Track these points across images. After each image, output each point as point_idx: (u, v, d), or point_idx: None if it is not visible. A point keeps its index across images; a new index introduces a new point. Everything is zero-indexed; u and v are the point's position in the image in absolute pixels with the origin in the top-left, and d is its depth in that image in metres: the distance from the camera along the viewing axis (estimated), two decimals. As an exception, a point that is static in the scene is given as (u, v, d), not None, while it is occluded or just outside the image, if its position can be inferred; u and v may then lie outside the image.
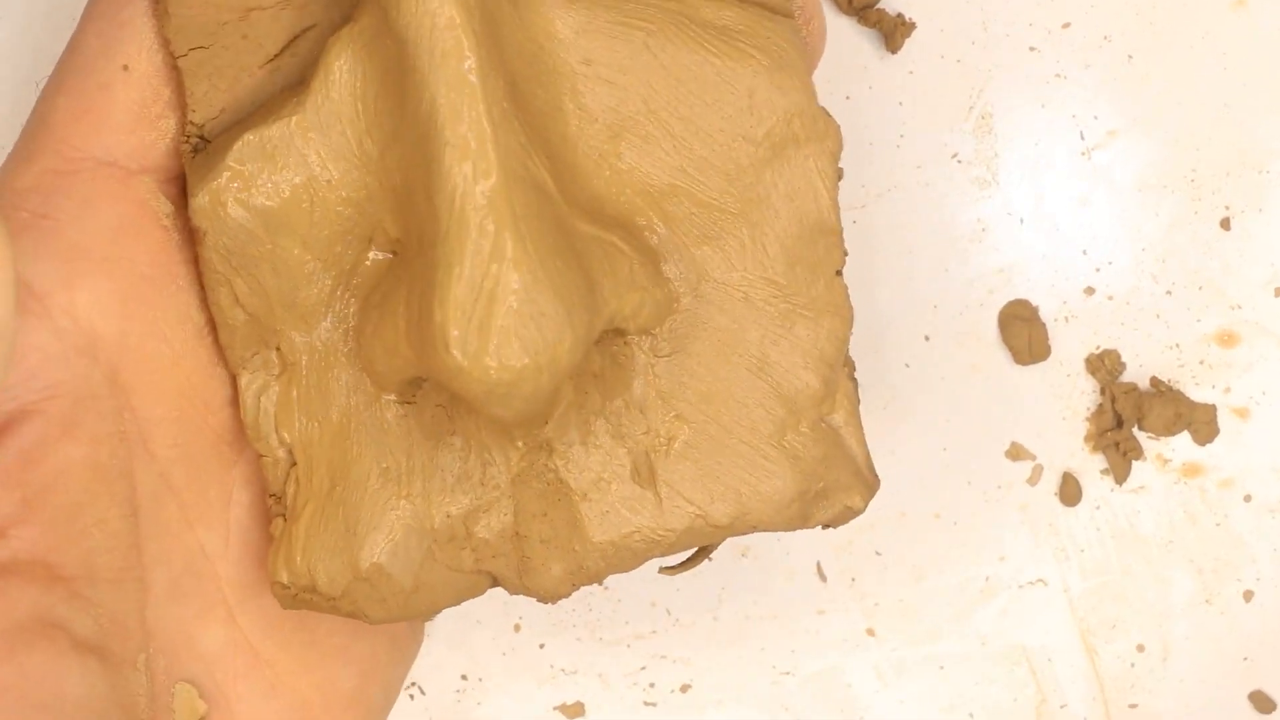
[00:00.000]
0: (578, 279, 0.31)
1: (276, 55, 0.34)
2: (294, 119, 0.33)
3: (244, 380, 0.34)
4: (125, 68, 0.33)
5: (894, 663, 0.45)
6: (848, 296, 0.35)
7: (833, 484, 0.35)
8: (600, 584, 0.35)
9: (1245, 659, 0.45)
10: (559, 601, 0.35)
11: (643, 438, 0.34)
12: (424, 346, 0.31)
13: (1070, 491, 0.44)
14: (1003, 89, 0.44)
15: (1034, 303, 0.44)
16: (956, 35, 0.44)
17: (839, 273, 0.35)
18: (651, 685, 0.45)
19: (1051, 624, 0.45)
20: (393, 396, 0.34)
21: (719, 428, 0.35)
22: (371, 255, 0.34)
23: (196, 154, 0.34)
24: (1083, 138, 0.44)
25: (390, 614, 0.34)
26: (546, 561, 0.34)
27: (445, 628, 0.45)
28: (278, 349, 0.34)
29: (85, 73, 0.33)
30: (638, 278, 0.33)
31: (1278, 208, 0.44)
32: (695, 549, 0.36)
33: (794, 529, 0.35)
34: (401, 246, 0.33)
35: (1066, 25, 0.44)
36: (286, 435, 0.34)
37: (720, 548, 0.45)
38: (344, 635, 0.36)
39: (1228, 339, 0.44)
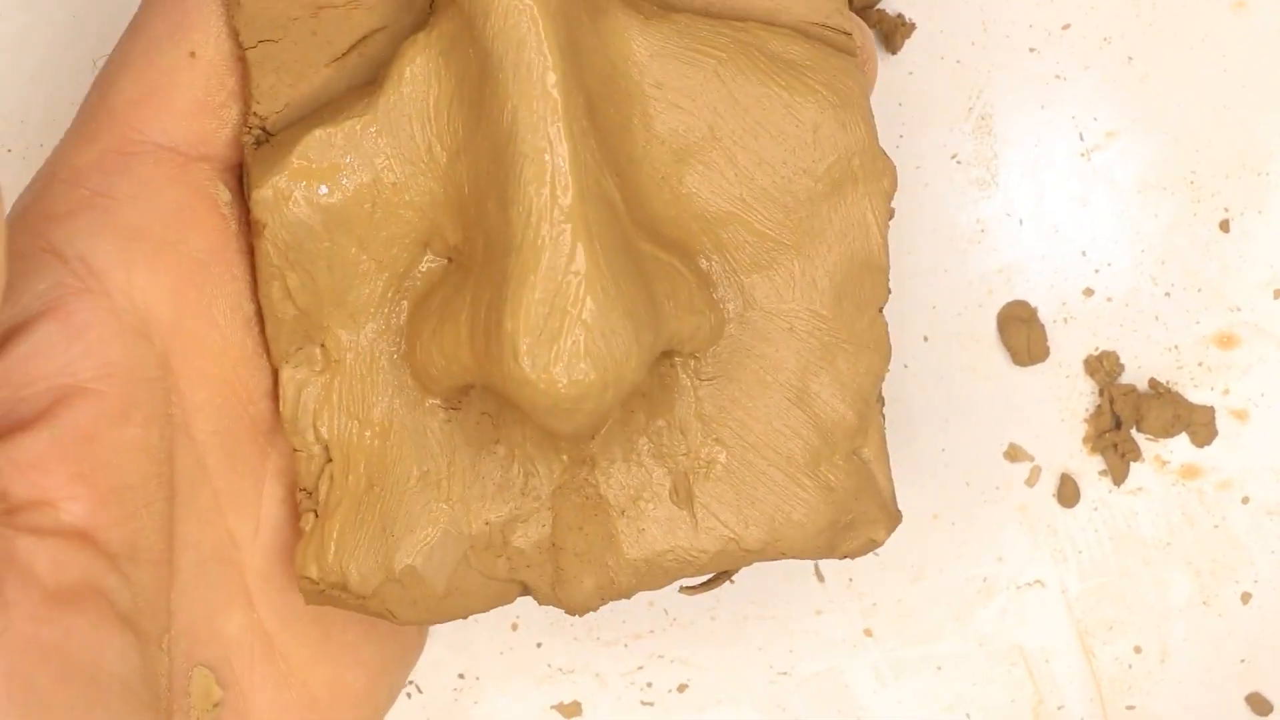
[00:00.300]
0: (645, 298, 0.32)
1: (344, 54, 0.34)
2: (364, 119, 0.33)
3: (286, 374, 0.34)
4: (192, 54, 0.33)
5: (892, 663, 0.45)
6: (888, 334, 0.35)
7: (860, 516, 0.35)
8: (628, 598, 0.35)
9: (1243, 661, 0.45)
10: (584, 614, 0.35)
11: (683, 459, 0.35)
12: (490, 355, 0.31)
13: (1068, 493, 0.44)
14: (1002, 90, 0.44)
15: (1033, 304, 0.44)
16: (956, 36, 0.44)
17: (881, 310, 0.35)
18: (649, 685, 0.45)
19: (1049, 625, 0.45)
20: (438, 401, 0.34)
21: (757, 454, 0.35)
22: (427, 260, 0.34)
23: (259, 146, 0.34)
24: (1082, 139, 0.44)
25: (419, 616, 0.34)
26: (579, 575, 0.34)
27: (443, 626, 0.45)
28: (323, 345, 0.34)
29: (150, 56, 0.33)
30: (696, 302, 0.33)
31: (1277, 209, 0.44)
32: (719, 571, 0.36)
33: (820, 558, 0.36)
34: (460, 254, 0.33)
35: (1066, 26, 0.44)
36: (324, 431, 0.34)
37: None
38: (356, 634, 0.36)
39: (1227, 341, 0.44)
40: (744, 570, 0.45)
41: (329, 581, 0.34)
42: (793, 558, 0.35)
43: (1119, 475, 0.44)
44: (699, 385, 0.35)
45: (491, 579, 0.34)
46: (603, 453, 0.34)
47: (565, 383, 0.31)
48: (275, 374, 0.35)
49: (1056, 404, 0.45)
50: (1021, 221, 0.44)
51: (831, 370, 0.35)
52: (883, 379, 0.35)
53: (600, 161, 0.32)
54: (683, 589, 0.38)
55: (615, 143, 0.33)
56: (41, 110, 0.45)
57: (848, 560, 0.44)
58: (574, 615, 0.35)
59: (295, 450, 0.35)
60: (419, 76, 0.33)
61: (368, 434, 0.34)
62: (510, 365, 0.31)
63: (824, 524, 0.35)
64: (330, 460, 0.34)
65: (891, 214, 0.35)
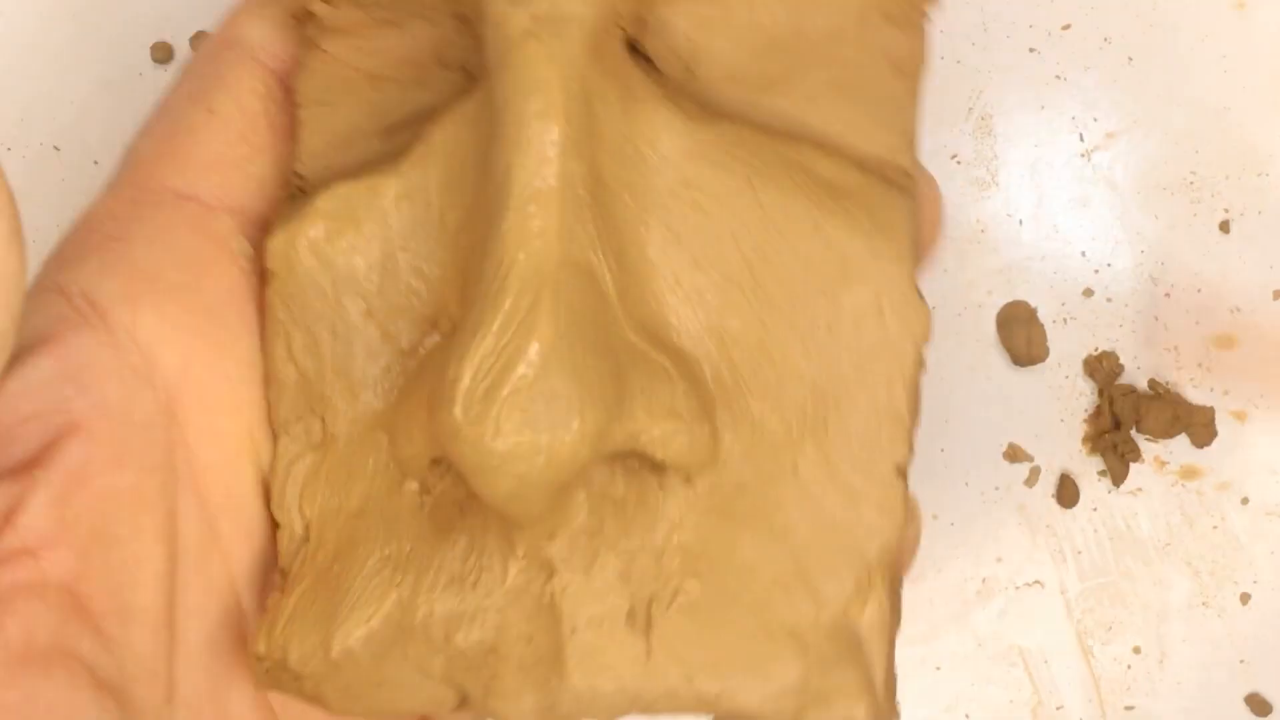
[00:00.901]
0: (603, 374, 0.30)
1: (395, 127, 0.33)
2: (386, 179, 0.32)
3: (282, 445, 0.33)
4: (210, 110, 0.33)
5: (891, 663, 0.45)
6: (905, 501, 0.32)
7: (837, 689, 0.32)
8: None
9: (1242, 661, 0.45)
10: None
11: (650, 584, 0.32)
12: (436, 408, 0.30)
13: (1068, 493, 0.44)
14: (1002, 90, 0.44)
15: (1033, 304, 0.44)
16: (956, 36, 0.44)
17: (902, 474, 0.32)
18: (648, 684, 0.45)
19: (1048, 625, 0.45)
20: (415, 485, 0.33)
21: (731, 597, 0.32)
22: (431, 340, 0.33)
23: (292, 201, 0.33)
24: (1082, 139, 0.44)
25: (350, 706, 0.32)
26: (519, 689, 0.32)
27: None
28: (323, 419, 0.33)
29: (174, 114, 0.33)
30: (678, 404, 0.31)
31: (1277, 210, 0.44)
32: None
33: None
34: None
35: (1066, 27, 0.44)
36: (308, 510, 0.33)
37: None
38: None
39: (1226, 342, 0.44)
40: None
41: (272, 659, 0.32)
42: (749, 716, 0.32)
43: (1118, 476, 0.44)
44: (687, 513, 0.32)
45: (426, 677, 0.32)
46: (563, 559, 0.32)
47: (491, 436, 0.29)
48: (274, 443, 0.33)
49: (1056, 404, 0.45)
50: (1021, 222, 0.44)
51: (834, 528, 0.32)
52: (891, 551, 0.32)
53: (593, 238, 0.30)
54: None
55: (626, 232, 0.31)
56: (42, 108, 0.45)
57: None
58: None
59: (278, 527, 0.33)
60: (445, 143, 0.32)
61: (344, 513, 0.33)
62: (445, 416, 0.29)
63: (790, 684, 0.31)
64: (307, 541, 0.33)
65: (923, 366, 0.32)
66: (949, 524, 0.45)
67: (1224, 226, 0.44)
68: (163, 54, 0.44)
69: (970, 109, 0.44)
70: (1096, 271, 0.44)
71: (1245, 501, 0.44)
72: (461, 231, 0.32)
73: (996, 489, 0.45)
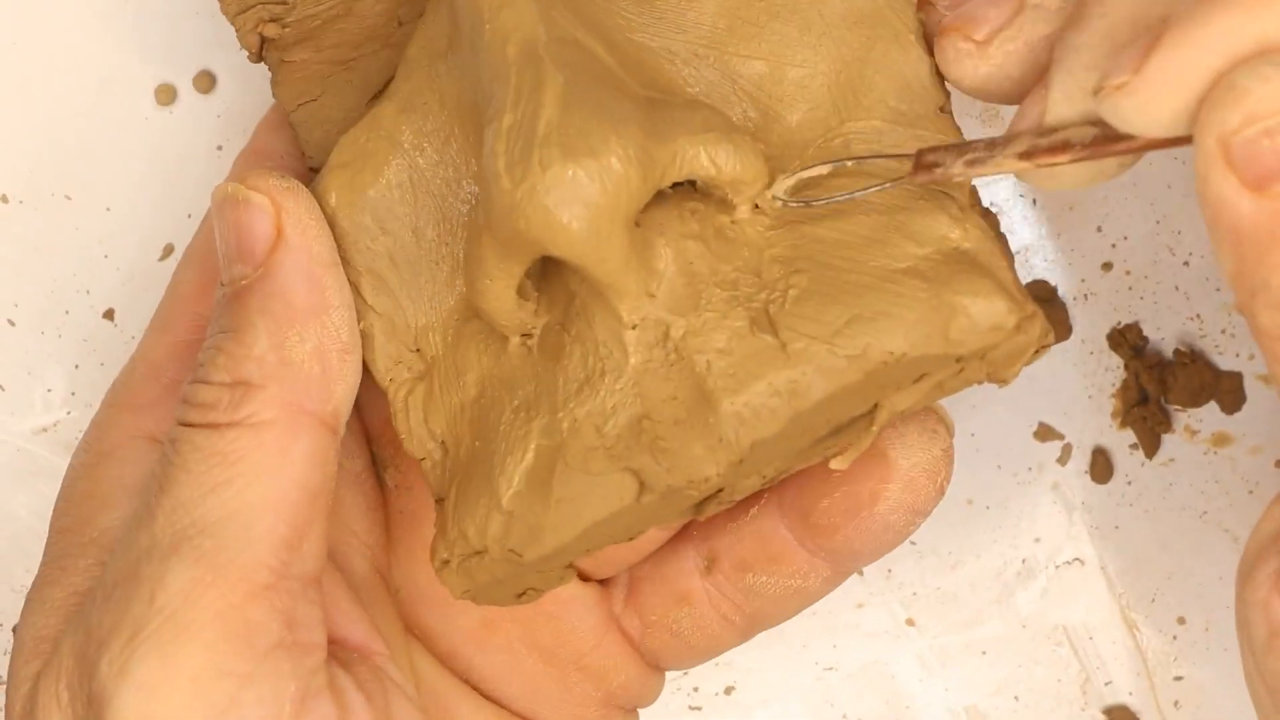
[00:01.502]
0: (626, 105, 0.31)
1: (381, 91, 0.35)
2: (381, 106, 0.34)
3: (393, 389, 0.35)
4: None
5: (936, 651, 0.45)
6: (959, 133, 0.34)
7: (969, 298, 0.32)
8: (747, 453, 0.32)
9: (1287, 624, 0.45)
10: (711, 493, 0.33)
11: (760, 295, 0.33)
12: (485, 196, 0.31)
13: (1101, 469, 0.44)
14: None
15: (1052, 282, 0.44)
16: (957, 21, 0.44)
17: (946, 111, 0.34)
18: (695, 689, 0.45)
19: (1091, 602, 0.45)
20: (516, 339, 0.34)
21: (836, 268, 0.33)
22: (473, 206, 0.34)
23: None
24: (1090, 115, 0.44)
25: (542, 546, 0.33)
26: (685, 443, 0.32)
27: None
28: (418, 350, 0.35)
29: (210, 246, 0.35)
30: (713, 121, 0.32)
31: (1290, 172, 0.44)
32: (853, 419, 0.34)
33: (938, 352, 0.32)
34: None
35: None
36: (436, 427, 0.35)
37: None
38: None
39: (1248, 306, 0.44)
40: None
41: (457, 554, 0.33)
42: (908, 357, 0.32)
43: (1150, 448, 0.44)
44: (767, 233, 0.33)
45: (596, 475, 0.33)
46: (673, 310, 0.33)
47: (544, 189, 0.30)
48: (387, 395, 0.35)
49: (1083, 381, 0.45)
50: (1035, 201, 0.44)
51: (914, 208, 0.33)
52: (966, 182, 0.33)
53: (573, 22, 0.32)
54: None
55: (605, 20, 0.33)
56: (50, 158, 0.45)
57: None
58: (693, 493, 0.33)
59: (421, 460, 0.35)
60: (419, 52, 0.34)
61: (468, 403, 0.34)
62: (495, 191, 0.30)
63: (924, 312, 0.32)
64: (447, 453, 0.35)
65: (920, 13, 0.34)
66: (984, 508, 0.45)
67: (1238, 191, 0.44)
68: (167, 96, 0.44)
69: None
70: (1114, 245, 0.44)
71: (1279, 464, 0.44)
72: (463, 93, 0.33)
73: (1030, 469, 0.45)
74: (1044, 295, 0.44)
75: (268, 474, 0.30)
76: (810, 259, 0.33)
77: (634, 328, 0.33)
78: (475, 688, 0.38)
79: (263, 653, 0.30)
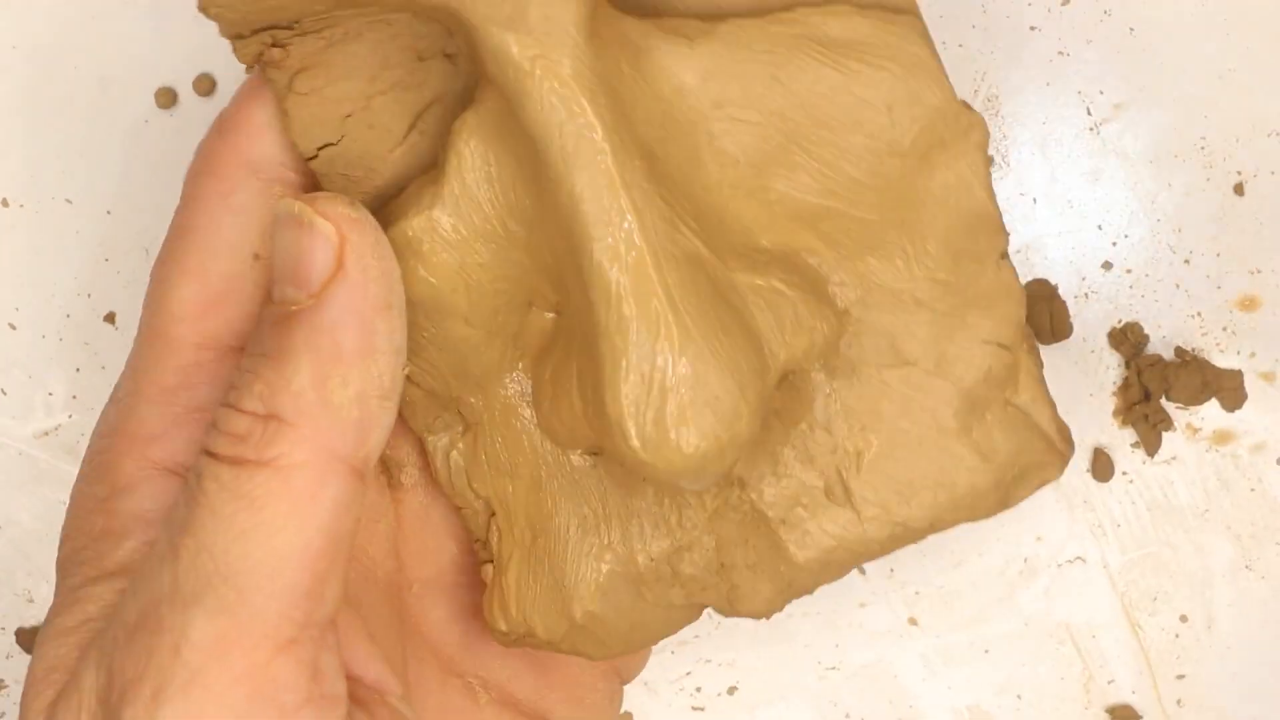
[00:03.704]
0: (745, 347, 0.31)
1: (405, 136, 0.34)
2: (433, 211, 0.32)
3: (430, 442, 0.35)
4: (256, 257, 0.33)
5: (939, 650, 0.45)
6: (1016, 277, 0.35)
7: (1027, 466, 0.35)
8: (810, 593, 0.36)
9: (1290, 622, 0.45)
10: (769, 616, 0.36)
11: (831, 456, 0.35)
12: (604, 436, 0.31)
13: (1102, 467, 0.44)
14: (1006, 70, 0.44)
15: (1053, 281, 0.44)
16: (956, 20, 0.44)
17: (1005, 255, 0.35)
18: (698, 690, 0.45)
19: (1093, 600, 0.45)
20: (579, 451, 0.35)
21: (905, 434, 0.35)
22: (536, 318, 0.34)
23: None
24: (1090, 113, 0.44)
25: (609, 652, 0.35)
26: (755, 585, 0.35)
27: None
28: (460, 412, 0.35)
29: (210, 262, 0.33)
30: (803, 319, 0.33)
31: (1290, 169, 0.44)
32: None
33: (994, 514, 0.35)
34: (563, 308, 0.33)
35: (1066, 2, 0.44)
36: (480, 489, 0.35)
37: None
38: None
39: (1249, 303, 0.44)
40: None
41: (518, 633, 0.35)
42: (965, 522, 0.35)
43: (1152, 446, 0.44)
44: (833, 380, 0.35)
45: (670, 607, 0.35)
46: (750, 471, 0.34)
47: (679, 457, 0.30)
48: (422, 444, 0.35)
49: (1084, 379, 0.44)
50: (1035, 200, 0.44)
51: (965, 329, 0.34)
52: (1021, 323, 0.35)
53: (670, 218, 0.31)
54: None
55: (685, 179, 0.32)
56: (51, 162, 0.45)
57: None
58: (759, 619, 0.35)
59: (460, 508, 0.35)
60: (475, 155, 0.32)
61: (520, 488, 0.35)
62: (623, 448, 0.31)
63: (988, 486, 0.35)
64: (494, 514, 0.35)
65: (991, 161, 0.34)
66: (986, 507, 0.45)
67: (1238, 189, 0.44)
68: (167, 100, 0.44)
69: (975, 91, 0.44)
70: (1114, 244, 0.44)
71: (1281, 462, 0.44)
72: (533, 235, 0.32)
73: (1031, 468, 0.45)
74: (1044, 294, 0.44)
75: (295, 522, 0.29)
76: (874, 415, 0.35)
77: (713, 488, 0.35)
78: (483, 682, 0.38)
79: (291, 711, 0.29)
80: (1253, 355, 0.44)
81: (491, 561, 0.35)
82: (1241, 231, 0.44)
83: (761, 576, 0.35)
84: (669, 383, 0.30)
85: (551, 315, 0.34)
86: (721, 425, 0.30)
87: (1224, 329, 0.44)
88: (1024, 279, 0.44)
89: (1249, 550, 0.45)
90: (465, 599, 0.37)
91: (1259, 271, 0.44)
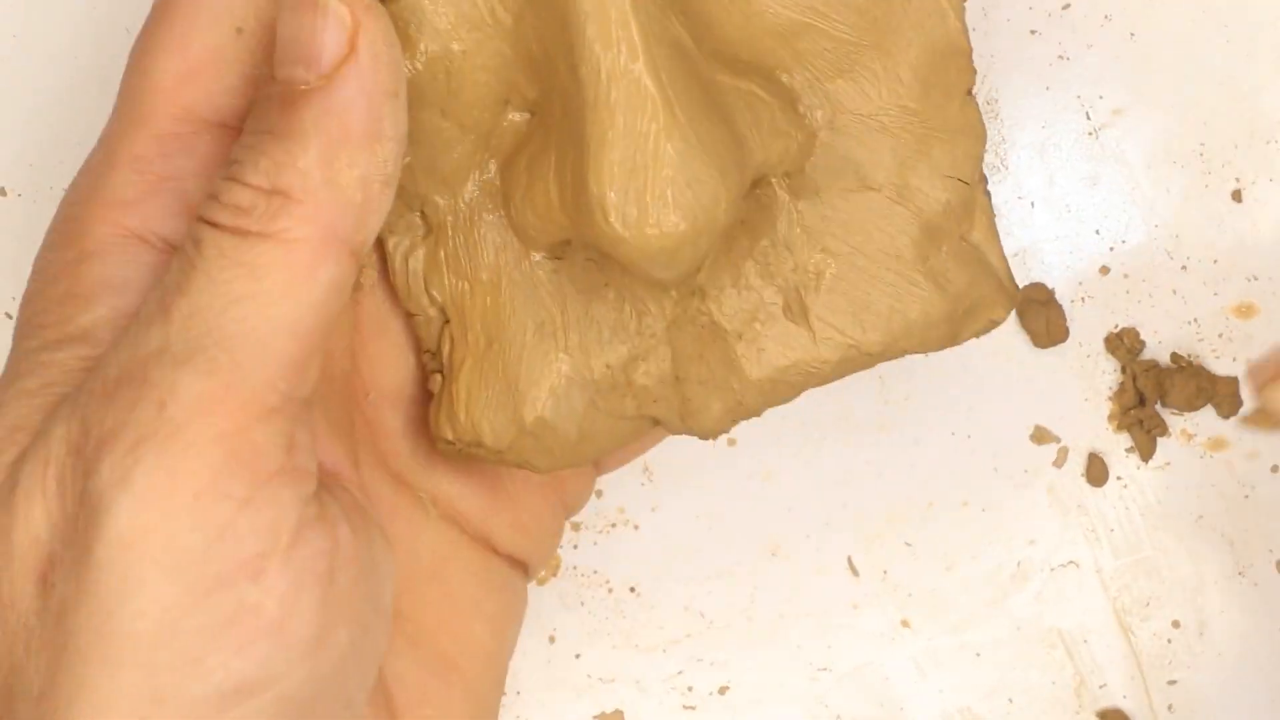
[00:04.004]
0: (727, 137, 0.32)
1: None
2: None
3: (391, 243, 0.35)
4: (239, 30, 0.33)
5: (930, 653, 0.45)
6: (980, 115, 0.35)
7: (977, 301, 0.36)
8: (758, 415, 0.36)
9: (1282, 629, 0.45)
10: (716, 437, 0.36)
11: (791, 275, 0.35)
12: (581, 215, 0.32)
13: (1097, 472, 0.44)
14: (1006, 74, 0.44)
15: (1050, 285, 0.44)
16: (957, 23, 0.44)
17: (970, 92, 0.35)
18: (690, 689, 0.45)
19: (1086, 605, 0.45)
20: (542, 254, 0.35)
21: (865, 258, 0.35)
22: (510, 116, 0.34)
23: None
24: (1089, 117, 0.44)
25: (555, 463, 0.35)
26: (706, 401, 0.35)
27: (480, 643, 0.45)
28: (421, 213, 0.35)
29: (192, 33, 0.33)
30: (779, 124, 0.34)
31: (1288, 176, 0.44)
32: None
33: (943, 348, 0.36)
34: (540, 107, 0.34)
35: (1066, 6, 0.44)
36: (436, 294, 0.35)
37: (749, 548, 0.45)
38: (477, 589, 0.37)
39: (1246, 310, 0.44)
40: (777, 569, 0.45)
41: (465, 440, 0.35)
42: (914, 353, 0.36)
43: (1146, 451, 0.44)
44: (798, 200, 0.35)
45: (621, 418, 0.35)
46: (711, 282, 0.35)
47: (658, 235, 0.31)
48: (382, 246, 0.35)
49: (1080, 384, 0.44)
50: (1033, 204, 0.44)
51: (928, 161, 0.35)
52: (981, 160, 0.36)
53: (663, 4, 0.32)
54: None
55: None
56: (45, 151, 0.45)
57: (880, 553, 0.44)
58: (706, 439, 0.36)
59: (412, 315, 0.36)
60: None
61: (479, 292, 0.35)
62: (602, 226, 0.31)
63: (941, 316, 0.35)
64: (448, 321, 0.35)
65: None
66: (980, 510, 0.45)
67: (1236, 195, 0.44)
68: (166, 90, 0.44)
69: (975, 94, 0.44)
70: (1111, 249, 0.44)
71: (1275, 469, 0.44)
72: (520, 22, 0.33)
73: (1025, 472, 0.45)
74: (1041, 298, 0.44)
75: (292, 296, 0.30)
76: (836, 238, 0.35)
77: (673, 291, 0.35)
78: (432, 498, 0.38)
79: (265, 478, 0.29)
80: (1249, 362, 0.44)
81: (440, 371, 0.35)
82: (1239, 238, 0.44)
83: (713, 393, 0.35)
84: (653, 162, 0.31)
85: (526, 116, 0.34)
86: (701, 208, 0.31)
87: (1220, 335, 0.44)
88: (1021, 283, 0.44)
89: (1242, 557, 0.45)
90: (420, 414, 0.37)
91: (1256, 279, 0.44)
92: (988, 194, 0.36)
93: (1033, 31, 0.44)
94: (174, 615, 0.29)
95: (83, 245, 0.33)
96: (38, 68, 0.45)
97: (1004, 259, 0.36)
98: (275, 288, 0.30)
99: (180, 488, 0.29)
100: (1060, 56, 0.44)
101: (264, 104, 0.31)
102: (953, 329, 0.36)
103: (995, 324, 0.36)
